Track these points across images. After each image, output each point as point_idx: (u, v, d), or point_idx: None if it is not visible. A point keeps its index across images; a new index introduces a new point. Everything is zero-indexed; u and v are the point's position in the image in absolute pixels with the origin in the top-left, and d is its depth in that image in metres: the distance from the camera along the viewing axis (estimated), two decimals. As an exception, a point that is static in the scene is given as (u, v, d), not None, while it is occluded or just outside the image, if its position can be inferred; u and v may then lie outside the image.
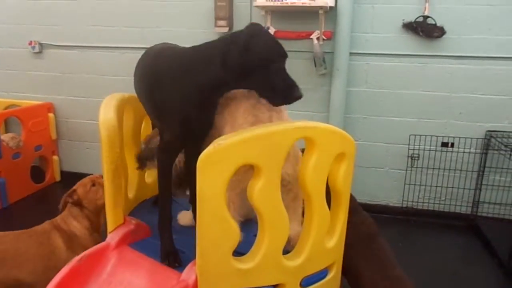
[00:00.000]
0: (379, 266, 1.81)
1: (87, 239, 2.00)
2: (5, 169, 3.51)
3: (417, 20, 3.18)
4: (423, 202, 3.52)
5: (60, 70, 4.01)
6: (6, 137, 3.60)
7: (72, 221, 2.00)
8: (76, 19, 3.85)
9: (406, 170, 3.47)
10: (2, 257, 1.80)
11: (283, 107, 1.58)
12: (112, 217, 1.65)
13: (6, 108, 4.00)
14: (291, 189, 1.53)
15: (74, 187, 2.05)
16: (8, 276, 1.81)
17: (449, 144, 3.35)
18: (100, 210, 2.03)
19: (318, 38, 3.29)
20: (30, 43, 3.96)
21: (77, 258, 1.48)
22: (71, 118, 4.10)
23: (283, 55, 1.44)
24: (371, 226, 1.92)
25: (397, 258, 1.98)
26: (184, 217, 1.89)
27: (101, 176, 1.89)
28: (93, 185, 2.04)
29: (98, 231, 2.06)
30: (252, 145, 1.27)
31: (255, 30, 1.42)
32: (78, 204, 2.03)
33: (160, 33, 3.66)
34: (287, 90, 1.41)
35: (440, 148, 3.38)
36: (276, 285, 1.44)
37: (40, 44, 3.97)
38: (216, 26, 3.47)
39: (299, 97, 1.40)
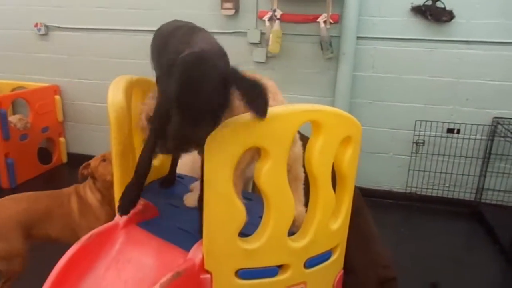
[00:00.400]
0: (362, 241, 1.86)
1: (98, 210, 2.14)
2: (13, 150, 3.55)
3: (426, 3, 3.15)
4: (427, 188, 3.54)
5: (66, 52, 4.01)
6: (13, 118, 3.63)
7: (88, 190, 2.16)
8: (81, 1, 3.83)
9: (411, 156, 3.48)
10: (37, 215, 2.04)
11: (278, 91, 1.57)
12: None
13: (13, 90, 4.02)
14: (289, 170, 1.54)
15: (90, 161, 2.18)
16: (42, 231, 2.06)
17: (455, 131, 3.35)
18: (109, 185, 2.02)
19: (325, 22, 3.27)
20: (36, 25, 3.95)
21: (86, 236, 1.51)
22: (77, 101, 4.12)
23: (181, 104, 1.15)
24: (358, 199, 1.91)
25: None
26: (190, 199, 1.91)
27: None
28: (104, 160, 2.12)
29: (110, 205, 2.09)
30: (259, 127, 1.28)
31: (184, 63, 1.18)
32: (92, 177, 2.16)
33: (167, 15, 3.60)
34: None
35: (446, 134, 3.38)
36: (281, 265, 1.47)
37: (46, 26, 3.96)
38: (222, 8, 3.46)
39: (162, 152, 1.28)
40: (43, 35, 3.98)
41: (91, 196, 2.15)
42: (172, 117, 1.17)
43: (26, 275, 2.22)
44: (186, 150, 1.30)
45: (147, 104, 1.77)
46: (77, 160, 4.15)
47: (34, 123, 3.77)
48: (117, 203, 1.70)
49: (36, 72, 4.12)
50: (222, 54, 1.38)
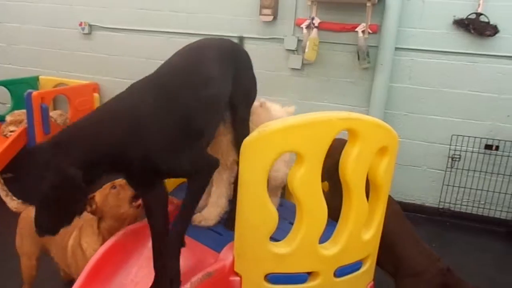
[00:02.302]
0: (413, 241, 1.93)
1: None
2: (52, 144, 3.68)
3: (469, 17, 3.07)
4: (461, 205, 3.43)
5: (107, 51, 4.13)
6: (54, 114, 3.77)
7: (88, 236, 1.69)
8: (124, 2, 3.94)
9: (446, 170, 3.39)
10: None
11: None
12: (154, 195, 1.71)
13: (55, 86, 4.17)
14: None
15: (93, 194, 1.66)
16: (47, 246, 1.92)
17: (494, 147, 3.24)
18: (123, 221, 1.66)
19: (363, 31, 3.25)
20: (80, 24, 4.09)
21: (121, 231, 1.55)
22: (115, 99, 4.22)
23: None
24: (393, 203, 1.98)
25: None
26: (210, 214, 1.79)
27: (123, 181, 1.64)
28: (114, 187, 1.66)
29: None
30: (296, 133, 1.29)
31: None
32: (98, 214, 1.67)
33: (206, 19, 3.71)
34: None
35: (484, 150, 3.28)
36: (310, 273, 1.46)
37: (90, 26, 4.09)
38: (261, 14, 3.48)
39: None
40: (86, 34, 4.12)
41: (89, 241, 1.66)
42: None
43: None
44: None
45: None
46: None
47: (73, 119, 3.89)
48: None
49: (77, 69, 4.25)
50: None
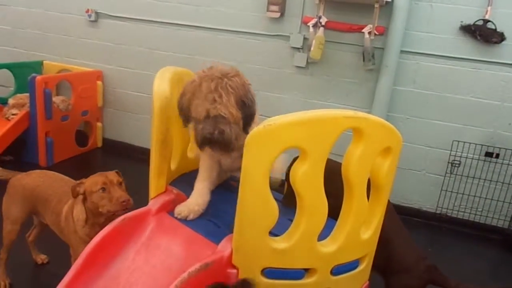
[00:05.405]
0: (405, 237, 1.97)
1: (78, 228, 1.81)
2: (53, 130, 3.69)
3: (476, 23, 3.07)
4: (458, 211, 3.44)
5: (113, 40, 4.12)
6: (57, 99, 3.77)
7: (78, 205, 1.82)
8: (133, -9, 3.94)
9: (445, 176, 3.39)
10: (39, 198, 1.98)
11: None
12: (155, 184, 1.72)
13: (59, 71, 4.17)
14: None
15: (84, 180, 1.79)
16: (41, 214, 2.03)
17: (494, 155, 3.25)
18: (99, 215, 1.77)
19: (369, 33, 3.24)
20: (87, 11, 4.08)
21: (120, 218, 1.55)
22: (118, 88, 4.22)
23: None
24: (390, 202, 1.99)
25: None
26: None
27: (119, 180, 1.77)
28: (103, 189, 1.73)
29: (92, 229, 1.78)
30: (301, 128, 1.29)
31: None
32: (84, 197, 1.79)
33: (213, 12, 3.70)
34: None
35: (484, 157, 3.28)
36: (307, 269, 1.46)
37: (96, 13, 4.09)
38: (268, 10, 3.48)
39: None
40: (92, 21, 4.11)
41: (78, 212, 1.81)
42: None
43: (63, 252, 2.28)
44: None
45: None
46: (111, 145, 4.30)
47: (75, 105, 3.90)
48: (151, 196, 1.73)
49: (81, 56, 4.25)
50: None
